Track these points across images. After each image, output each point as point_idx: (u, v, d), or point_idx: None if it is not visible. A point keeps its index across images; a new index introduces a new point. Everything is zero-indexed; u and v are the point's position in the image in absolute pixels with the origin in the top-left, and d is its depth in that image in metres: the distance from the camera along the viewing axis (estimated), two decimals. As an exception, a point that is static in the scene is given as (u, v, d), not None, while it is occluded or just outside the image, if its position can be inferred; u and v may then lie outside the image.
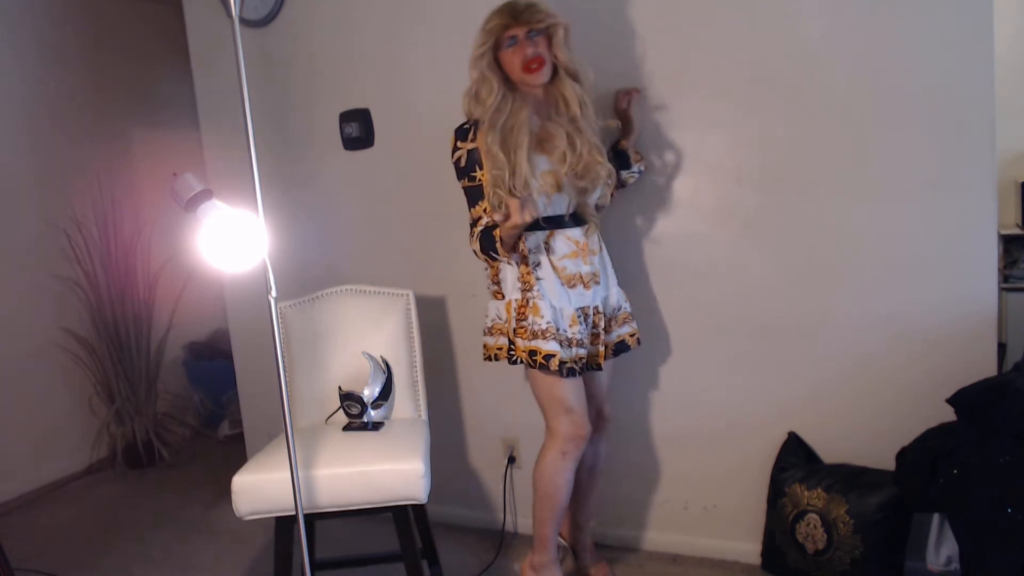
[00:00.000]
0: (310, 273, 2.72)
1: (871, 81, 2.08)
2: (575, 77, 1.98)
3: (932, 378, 2.08)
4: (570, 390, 2.01)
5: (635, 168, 2.24)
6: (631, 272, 2.41)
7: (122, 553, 2.79)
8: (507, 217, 1.83)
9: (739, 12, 2.18)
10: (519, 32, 1.90)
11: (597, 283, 2.07)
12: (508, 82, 1.96)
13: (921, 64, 2.03)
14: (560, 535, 2.34)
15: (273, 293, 1.65)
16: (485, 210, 1.98)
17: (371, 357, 2.17)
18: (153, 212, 3.81)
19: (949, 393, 1.89)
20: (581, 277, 2.02)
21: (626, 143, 2.22)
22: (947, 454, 1.81)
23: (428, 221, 2.67)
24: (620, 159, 2.20)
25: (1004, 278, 3.05)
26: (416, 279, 2.55)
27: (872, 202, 2.13)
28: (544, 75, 1.93)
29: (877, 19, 2.05)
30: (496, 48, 1.94)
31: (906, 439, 1.97)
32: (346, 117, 2.73)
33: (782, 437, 2.30)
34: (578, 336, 2.01)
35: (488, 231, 1.96)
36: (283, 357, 1.68)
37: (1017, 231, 3.22)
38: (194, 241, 1.62)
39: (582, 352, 2.02)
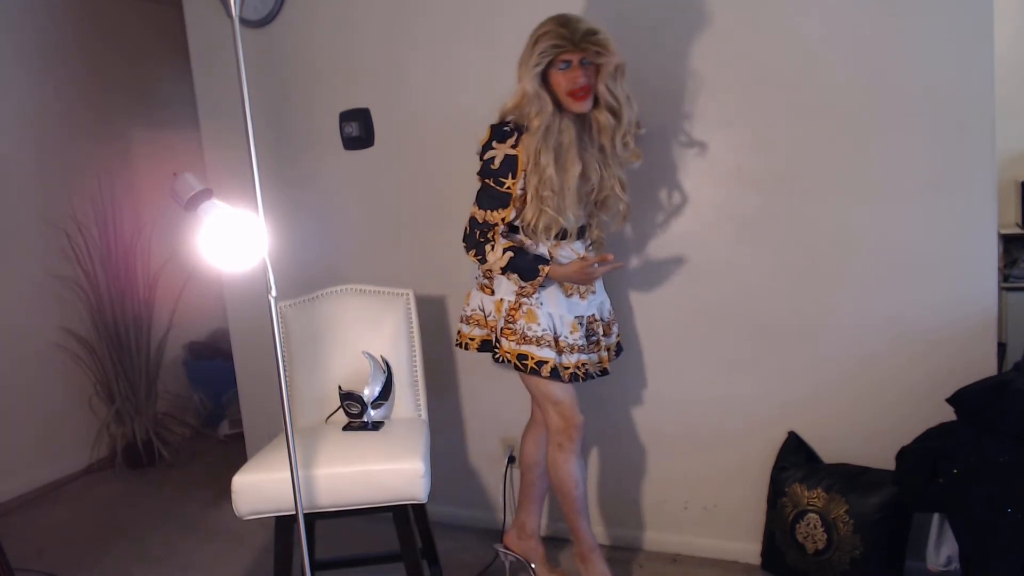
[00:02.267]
0: (310, 273, 2.72)
1: (872, 81, 2.08)
2: (613, 111, 1.95)
3: (932, 378, 2.08)
4: (557, 384, 2.02)
5: None
6: (630, 272, 2.41)
7: (122, 553, 2.79)
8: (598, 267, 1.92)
9: (740, 13, 2.18)
10: (574, 58, 1.87)
11: (593, 293, 2.10)
12: (555, 101, 1.92)
13: (921, 64, 2.03)
14: (508, 547, 2.33)
15: (273, 293, 1.65)
16: (503, 219, 1.95)
17: (371, 357, 2.17)
18: (153, 212, 3.80)
19: (949, 393, 1.90)
20: (578, 288, 2.05)
21: None
22: (947, 454, 1.81)
23: (428, 221, 2.67)
24: None
25: (1004, 277, 3.05)
26: (416, 279, 2.55)
27: (873, 202, 2.13)
28: (587, 105, 1.92)
29: (877, 19, 2.05)
30: (548, 65, 1.89)
31: (906, 439, 1.97)
32: (346, 117, 2.73)
33: (782, 437, 2.30)
34: (579, 342, 2.03)
35: (526, 257, 1.96)
36: (283, 357, 1.68)
37: (1017, 231, 3.22)
38: (194, 241, 1.62)
39: (584, 358, 2.04)
